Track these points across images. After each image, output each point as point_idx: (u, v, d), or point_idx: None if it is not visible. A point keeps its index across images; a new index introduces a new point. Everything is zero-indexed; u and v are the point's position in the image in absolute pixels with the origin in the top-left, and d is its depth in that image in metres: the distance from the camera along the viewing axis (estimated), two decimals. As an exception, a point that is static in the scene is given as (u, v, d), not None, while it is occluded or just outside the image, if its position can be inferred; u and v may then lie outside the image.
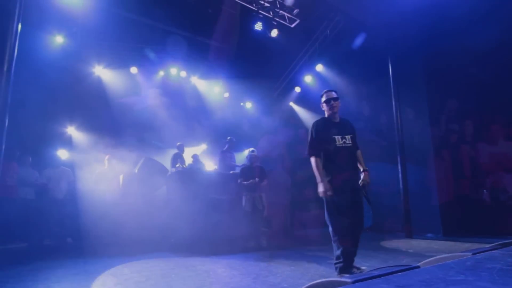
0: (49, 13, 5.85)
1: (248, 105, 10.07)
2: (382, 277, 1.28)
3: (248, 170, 5.34)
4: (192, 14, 6.82)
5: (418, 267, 1.62)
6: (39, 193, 6.05)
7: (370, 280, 1.30)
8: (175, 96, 8.64)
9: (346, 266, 2.61)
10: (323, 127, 2.83)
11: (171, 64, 8.39)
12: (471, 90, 5.62)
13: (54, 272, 3.21)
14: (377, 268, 2.27)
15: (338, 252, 2.63)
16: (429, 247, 4.68)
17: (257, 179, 5.17)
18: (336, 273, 2.63)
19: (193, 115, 8.75)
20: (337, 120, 2.91)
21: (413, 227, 5.84)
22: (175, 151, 6.56)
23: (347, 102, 8.07)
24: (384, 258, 3.75)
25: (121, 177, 5.85)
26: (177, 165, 5.72)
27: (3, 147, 2.95)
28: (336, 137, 2.77)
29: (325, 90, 3.05)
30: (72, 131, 7.93)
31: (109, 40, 7.06)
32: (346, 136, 2.81)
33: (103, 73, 7.81)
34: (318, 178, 2.70)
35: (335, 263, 2.66)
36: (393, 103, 6.49)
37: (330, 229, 2.71)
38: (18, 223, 5.47)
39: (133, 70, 8.02)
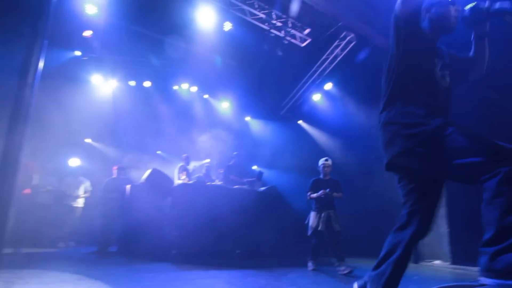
0: (69, 29, 6.23)
1: (255, 122, 10.21)
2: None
3: (320, 184, 4.59)
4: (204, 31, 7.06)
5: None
6: (57, 199, 6.60)
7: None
8: (184, 110, 8.90)
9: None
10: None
11: (183, 79, 8.70)
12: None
13: (58, 275, 3.28)
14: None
15: None
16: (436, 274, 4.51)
17: (328, 190, 4.44)
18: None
19: (200, 129, 8.95)
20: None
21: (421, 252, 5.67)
22: (181, 163, 6.68)
23: (357, 123, 8.08)
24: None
25: (128, 186, 5.96)
26: (182, 177, 5.80)
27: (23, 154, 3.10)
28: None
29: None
30: (88, 141, 8.29)
31: (125, 54, 7.41)
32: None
33: (117, 86, 8.18)
34: None
35: None
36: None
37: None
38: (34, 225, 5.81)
39: (146, 84, 8.37)
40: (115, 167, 6.49)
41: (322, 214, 4.44)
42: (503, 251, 1.29)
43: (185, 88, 8.87)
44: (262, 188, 6.21)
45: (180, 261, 4.68)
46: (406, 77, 1.69)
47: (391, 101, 1.73)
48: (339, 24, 7.12)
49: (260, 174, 6.95)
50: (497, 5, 1.52)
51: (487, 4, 1.56)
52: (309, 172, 5.69)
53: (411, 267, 5.23)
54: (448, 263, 5.31)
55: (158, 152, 8.47)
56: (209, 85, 9.18)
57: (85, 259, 4.88)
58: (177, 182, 5.97)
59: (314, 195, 4.51)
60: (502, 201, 1.33)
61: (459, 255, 5.23)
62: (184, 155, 6.78)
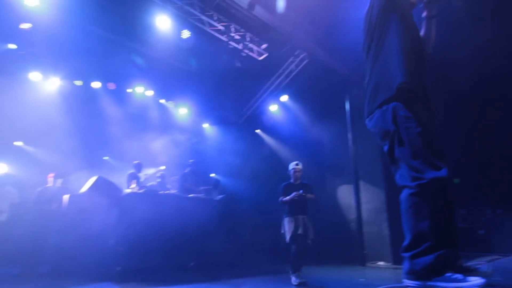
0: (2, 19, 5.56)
1: (213, 129, 10.10)
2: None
3: (291, 188, 4.41)
4: (162, 36, 6.89)
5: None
6: None
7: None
8: (138, 114, 8.41)
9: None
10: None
11: (138, 82, 8.28)
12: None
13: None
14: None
15: None
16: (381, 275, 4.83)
17: (301, 191, 4.28)
18: None
19: (155, 135, 8.51)
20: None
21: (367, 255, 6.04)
22: (131, 170, 6.22)
23: (311, 133, 8.50)
24: None
25: (66, 196, 5.34)
26: (132, 186, 5.41)
27: None
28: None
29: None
30: (18, 144, 7.25)
31: (72, 53, 6.81)
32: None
33: (61, 85, 7.41)
34: None
35: None
36: (349, 136, 7.04)
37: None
38: None
39: (96, 84, 7.75)
40: (50, 175, 5.78)
41: (299, 218, 4.26)
42: (419, 255, 1.48)
43: (140, 91, 8.41)
44: (219, 197, 6.08)
45: (125, 279, 4.30)
46: (400, 38, 1.76)
47: (376, 64, 1.82)
48: (293, 42, 7.54)
49: (217, 182, 6.81)
50: None
51: None
52: (267, 180, 5.75)
53: (358, 269, 5.53)
54: (390, 263, 5.74)
55: (106, 158, 7.74)
56: (166, 90, 8.86)
57: (5, 282, 4.16)
58: (125, 191, 5.53)
59: (287, 198, 4.33)
60: (414, 211, 1.52)
61: (400, 256, 5.70)
62: (136, 161, 6.33)
